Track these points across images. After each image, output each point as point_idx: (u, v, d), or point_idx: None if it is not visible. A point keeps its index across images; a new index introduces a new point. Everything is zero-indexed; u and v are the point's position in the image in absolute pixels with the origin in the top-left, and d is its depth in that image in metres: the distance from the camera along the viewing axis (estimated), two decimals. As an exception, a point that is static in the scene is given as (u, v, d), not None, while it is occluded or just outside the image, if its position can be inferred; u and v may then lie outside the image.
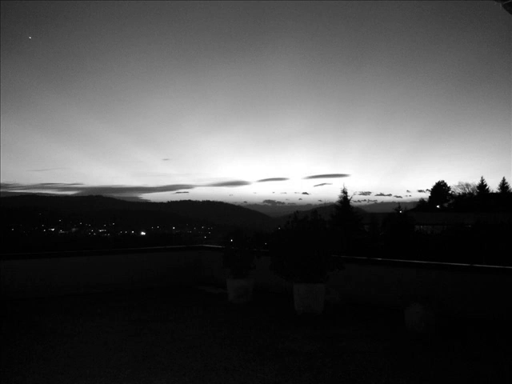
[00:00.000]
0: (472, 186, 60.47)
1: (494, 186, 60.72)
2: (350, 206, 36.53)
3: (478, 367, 5.32)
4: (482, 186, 59.84)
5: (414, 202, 64.90)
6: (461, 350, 5.99)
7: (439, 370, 5.23)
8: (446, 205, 61.41)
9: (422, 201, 63.51)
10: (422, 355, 5.74)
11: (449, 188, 63.57)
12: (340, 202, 36.53)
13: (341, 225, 27.17)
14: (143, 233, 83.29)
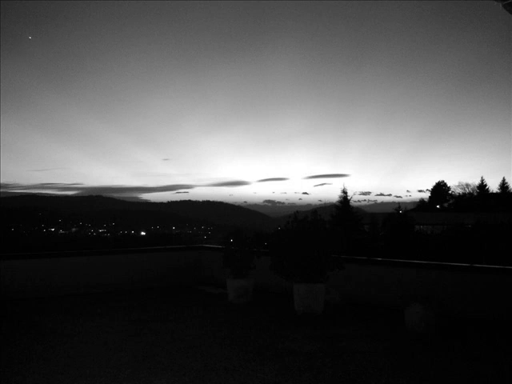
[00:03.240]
0: (472, 186, 60.53)
1: (494, 186, 60.81)
2: (350, 206, 36.54)
3: (477, 367, 5.32)
4: (482, 186, 59.88)
5: (414, 202, 64.92)
6: (461, 349, 6.00)
7: (439, 369, 5.23)
8: (446, 205, 61.44)
9: (421, 201, 63.55)
10: (421, 355, 5.74)
11: (449, 188, 63.63)
12: (340, 202, 36.54)
13: (341, 225, 27.17)
14: (143, 233, 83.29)
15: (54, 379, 4.85)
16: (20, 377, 4.92)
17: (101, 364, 5.31)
